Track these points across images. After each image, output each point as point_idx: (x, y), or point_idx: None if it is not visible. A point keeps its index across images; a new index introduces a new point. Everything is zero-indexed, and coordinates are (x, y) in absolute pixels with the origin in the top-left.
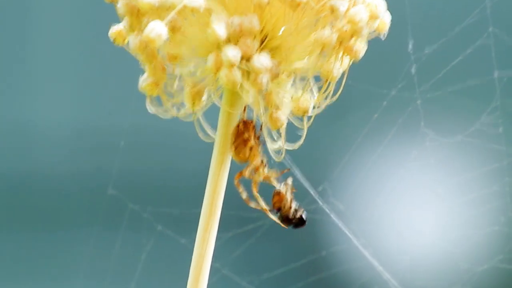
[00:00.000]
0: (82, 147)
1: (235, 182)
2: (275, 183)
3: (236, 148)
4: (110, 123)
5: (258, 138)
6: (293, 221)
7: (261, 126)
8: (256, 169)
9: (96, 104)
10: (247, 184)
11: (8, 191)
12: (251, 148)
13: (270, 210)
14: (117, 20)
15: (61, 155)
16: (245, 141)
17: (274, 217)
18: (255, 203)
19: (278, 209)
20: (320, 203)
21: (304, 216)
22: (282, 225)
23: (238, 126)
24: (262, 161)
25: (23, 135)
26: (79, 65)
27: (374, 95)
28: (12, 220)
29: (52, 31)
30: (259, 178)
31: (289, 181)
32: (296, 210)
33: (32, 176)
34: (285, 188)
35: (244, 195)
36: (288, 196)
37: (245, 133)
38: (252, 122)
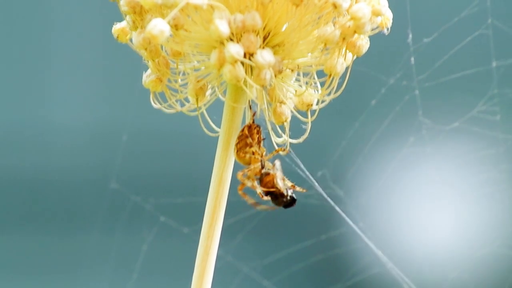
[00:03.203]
0: (84, 142)
1: (239, 192)
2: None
3: (238, 150)
4: (113, 117)
5: (261, 142)
6: (286, 199)
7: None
8: (254, 173)
9: (98, 98)
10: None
11: (12, 186)
12: (253, 153)
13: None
14: (120, 18)
15: (63, 150)
16: (248, 145)
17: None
18: (261, 206)
19: (269, 191)
20: (319, 191)
21: (294, 196)
22: (275, 205)
23: (243, 129)
24: (262, 167)
25: (25, 131)
26: (81, 60)
27: (372, 83)
28: (16, 215)
29: (59, 29)
30: (254, 181)
31: (277, 162)
32: (287, 189)
33: (35, 171)
34: (274, 169)
35: (250, 201)
36: (279, 176)
37: (248, 137)
38: (257, 126)
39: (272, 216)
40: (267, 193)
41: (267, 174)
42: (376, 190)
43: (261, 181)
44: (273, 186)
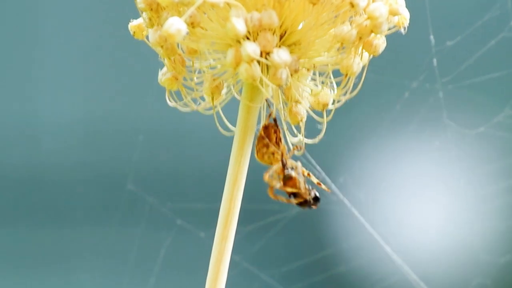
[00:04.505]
0: (100, 142)
1: (270, 195)
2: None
3: (257, 152)
4: (129, 118)
5: (280, 141)
6: (310, 201)
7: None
8: (276, 173)
9: (115, 98)
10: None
11: (27, 186)
12: (272, 154)
13: (290, 196)
14: (135, 14)
15: (79, 150)
16: (266, 146)
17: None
18: (293, 200)
19: (293, 194)
20: (341, 196)
21: (317, 194)
22: (299, 206)
23: (260, 131)
24: (283, 166)
25: (41, 130)
26: (99, 59)
27: (396, 87)
28: (31, 214)
29: (69, 24)
30: (278, 183)
31: (299, 164)
32: (310, 190)
33: (51, 172)
34: (295, 172)
35: (285, 199)
36: (301, 179)
37: (265, 138)
38: (273, 126)
39: (292, 224)
40: (290, 195)
41: (289, 178)
42: (399, 195)
43: (284, 185)
44: (296, 189)
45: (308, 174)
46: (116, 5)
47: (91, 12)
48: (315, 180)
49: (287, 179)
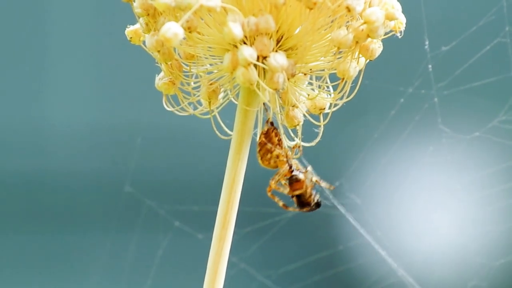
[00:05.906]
0: (99, 145)
1: (268, 194)
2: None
3: (262, 157)
4: (127, 120)
5: (282, 142)
6: (312, 205)
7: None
8: (283, 176)
9: (113, 101)
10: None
11: (27, 189)
12: (277, 156)
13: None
14: (134, 19)
15: (78, 153)
16: (270, 151)
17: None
18: (293, 206)
19: (298, 195)
20: (336, 201)
21: (320, 200)
22: (299, 208)
23: (260, 136)
24: (290, 167)
25: (40, 133)
26: (96, 63)
27: (391, 93)
28: (31, 217)
29: (68, 30)
30: (286, 189)
31: (309, 168)
32: (314, 195)
33: (50, 174)
34: (304, 175)
35: (281, 203)
36: (309, 183)
37: (267, 143)
38: (274, 129)
39: (289, 226)
40: (293, 196)
41: (297, 180)
42: (394, 199)
43: (291, 185)
44: (301, 193)
45: (317, 181)
46: (114, 12)
47: (88, 21)
48: (326, 185)
49: (295, 181)
